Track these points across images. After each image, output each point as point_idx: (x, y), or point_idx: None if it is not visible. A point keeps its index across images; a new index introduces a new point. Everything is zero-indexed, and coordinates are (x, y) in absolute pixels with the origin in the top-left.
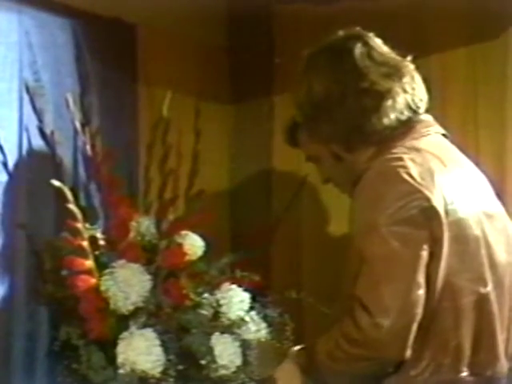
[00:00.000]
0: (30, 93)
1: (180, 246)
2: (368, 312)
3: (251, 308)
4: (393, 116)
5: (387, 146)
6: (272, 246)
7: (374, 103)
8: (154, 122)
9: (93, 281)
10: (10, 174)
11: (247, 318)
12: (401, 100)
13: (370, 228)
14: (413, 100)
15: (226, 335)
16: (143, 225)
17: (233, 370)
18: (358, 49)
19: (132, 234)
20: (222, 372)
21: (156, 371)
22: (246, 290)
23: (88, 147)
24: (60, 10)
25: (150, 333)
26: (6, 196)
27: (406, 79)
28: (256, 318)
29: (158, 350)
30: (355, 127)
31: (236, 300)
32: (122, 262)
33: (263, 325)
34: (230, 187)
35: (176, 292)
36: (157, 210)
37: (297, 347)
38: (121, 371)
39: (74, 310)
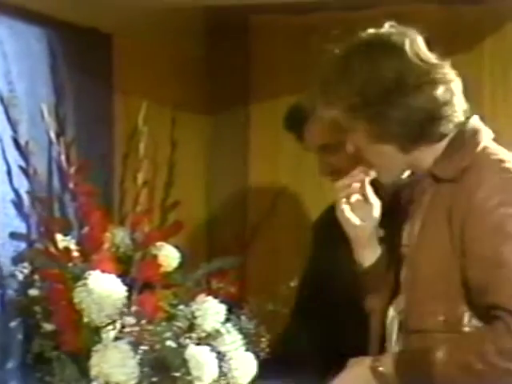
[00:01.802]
0: (4, 103)
1: (155, 257)
2: None
3: (227, 320)
4: (460, 112)
5: (470, 145)
6: (248, 257)
7: (449, 95)
8: (129, 133)
9: (66, 292)
10: None
11: (223, 330)
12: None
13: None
14: None
15: (201, 347)
16: (118, 236)
17: (208, 382)
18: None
19: (106, 245)
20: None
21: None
22: (221, 301)
23: (63, 157)
24: (35, 19)
25: (124, 345)
26: None
27: None
28: (232, 329)
29: (132, 363)
30: (431, 118)
31: (211, 312)
32: (96, 273)
33: (239, 336)
34: (207, 198)
35: (151, 304)
36: (132, 221)
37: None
38: None
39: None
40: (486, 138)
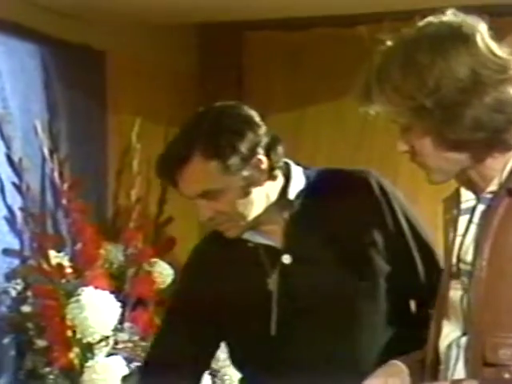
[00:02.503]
0: None
1: (149, 273)
2: None
3: None
4: None
5: None
6: None
7: None
8: (123, 149)
9: (59, 309)
10: None
11: None
12: None
13: None
14: None
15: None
16: (111, 252)
17: None
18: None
19: (100, 262)
20: None
21: None
22: None
23: (56, 174)
24: (29, 36)
25: (117, 361)
26: None
27: None
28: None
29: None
30: (509, 120)
31: None
32: (89, 289)
33: None
34: None
35: (144, 320)
36: (125, 237)
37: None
38: None
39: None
40: None
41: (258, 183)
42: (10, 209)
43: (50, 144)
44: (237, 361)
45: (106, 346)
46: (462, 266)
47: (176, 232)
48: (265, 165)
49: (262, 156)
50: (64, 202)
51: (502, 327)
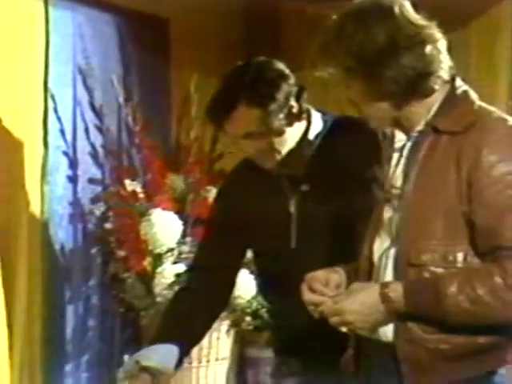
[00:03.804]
0: (83, 74)
1: (205, 198)
2: None
3: None
4: (446, 69)
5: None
6: None
7: (437, 53)
8: (182, 98)
9: (134, 226)
10: (66, 140)
11: None
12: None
13: None
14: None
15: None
16: (175, 181)
17: (247, 299)
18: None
19: (165, 189)
20: (238, 301)
21: None
22: None
23: (130, 118)
24: (107, 7)
25: (180, 267)
26: (62, 159)
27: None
28: None
29: None
30: (422, 74)
31: None
32: (157, 210)
33: None
34: None
35: (202, 235)
36: (185, 170)
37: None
38: (158, 299)
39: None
40: (476, 96)
41: (289, 125)
42: (93, 146)
43: (124, 94)
44: (260, 268)
45: (172, 255)
46: (393, 191)
47: (226, 165)
48: (295, 109)
49: (293, 102)
50: (136, 140)
51: (424, 236)
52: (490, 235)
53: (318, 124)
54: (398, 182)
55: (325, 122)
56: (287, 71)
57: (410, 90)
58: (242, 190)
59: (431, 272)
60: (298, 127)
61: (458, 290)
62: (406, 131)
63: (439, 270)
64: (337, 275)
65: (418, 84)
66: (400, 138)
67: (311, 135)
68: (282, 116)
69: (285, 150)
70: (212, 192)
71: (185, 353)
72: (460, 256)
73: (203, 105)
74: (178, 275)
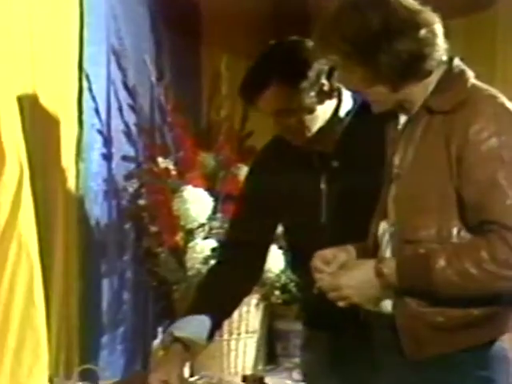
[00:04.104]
0: (116, 54)
1: (235, 175)
2: None
3: None
4: (442, 52)
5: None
6: None
7: (432, 36)
8: (213, 77)
9: (166, 202)
10: (100, 119)
11: None
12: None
13: None
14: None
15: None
16: (206, 158)
17: (276, 273)
18: None
19: (197, 166)
20: (268, 275)
21: None
22: None
23: (162, 97)
24: None
25: (211, 242)
26: (97, 137)
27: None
28: None
29: None
30: (417, 58)
31: None
32: (189, 187)
33: None
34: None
35: (232, 211)
36: (216, 147)
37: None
38: (189, 273)
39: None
40: (471, 75)
41: (320, 102)
42: (126, 124)
43: (157, 73)
44: (290, 243)
45: (203, 231)
46: (394, 170)
47: (255, 142)
48: (326, 87)
49: (324, 80)
50: (168, 119)
51: (419, 213)
52: (477, 210)
53: (348, 102)
54: (398, 161)
55: (354, 100)
56: None
57: (406, 73)
58: (273, 167)
59: (426, 248)
60: (329, 105)
61: (446, 264)
62: (408, 113)
63: (434, 246)
64: (344, 253)
65: (413, 67)
66: (403, 120)
67: (342, 113)
68: (313, 94)
69: (315, 128)
70: (242, 169)
71: (217, 325)
72: (454, 232)
73: (233, 84)
74: (213, 250)
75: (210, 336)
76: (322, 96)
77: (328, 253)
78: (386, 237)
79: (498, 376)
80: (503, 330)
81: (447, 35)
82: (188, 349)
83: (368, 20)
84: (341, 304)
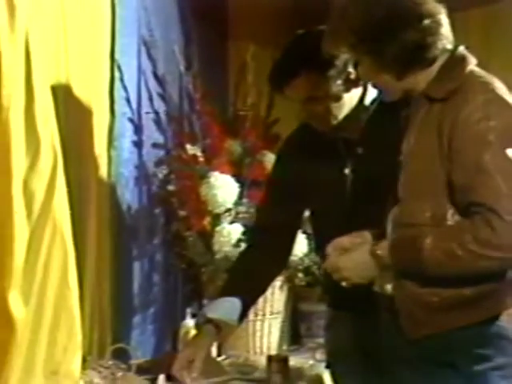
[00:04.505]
0: (146, 45)
1: (261, 161)
2: (498, 214)
3: None
4: (446, 41)
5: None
6: None
7: (436, 26)
8: (239, 67)
9: (195, 188)
10: (131, 108)
11: None
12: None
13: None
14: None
15: None
16: (232, 145)
17: (300, 256)
18: None
19: (224, 153)
20: (291, 258)
21: None
22: None
23: (190, 86)
24: None
25: (237, 227)
26: (128, 125)
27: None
28: None
29: None
30: (421, 47)
31: None
32: (216, 173)
33: None
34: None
35: (258, 197)
36: (242, 134)
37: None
38: (217, 256)
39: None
40: (472, 63)
41: (347, 90)
42: (156, 113)
43: (185, 63)
44: (316, 228)
45: (230, 215)
46: (401, 158)
47: (281, 130)
48: (353, 76)
49: (351, 69)
50: (197, 107)
51: (416, 197)
52: (465, 192)
53: (373, 90)
54: (404, 150)
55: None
56: None
57: (410, 61)
58: (300, 154)
59: (422, 230)
60: (355, 93)
61: (434, 245)
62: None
63: (429, 229)
64: (359, 239)
65: (417, 56)
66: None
67: (367, 101)
68: (340, 82)
69: (342, 115)
70: (267, 156)
71: (247, 307)
72: (448, 215)
73: (259, 73)
74: (243, 233)
75: (241, 317)
76: (349, 84)
77: (343, 240)
78: (390, 222)
79: (497, 354)
80: (497, 309)
81: (463, 26)
82: (220, 330)
83: (373, 12)
84: (344, 284)
